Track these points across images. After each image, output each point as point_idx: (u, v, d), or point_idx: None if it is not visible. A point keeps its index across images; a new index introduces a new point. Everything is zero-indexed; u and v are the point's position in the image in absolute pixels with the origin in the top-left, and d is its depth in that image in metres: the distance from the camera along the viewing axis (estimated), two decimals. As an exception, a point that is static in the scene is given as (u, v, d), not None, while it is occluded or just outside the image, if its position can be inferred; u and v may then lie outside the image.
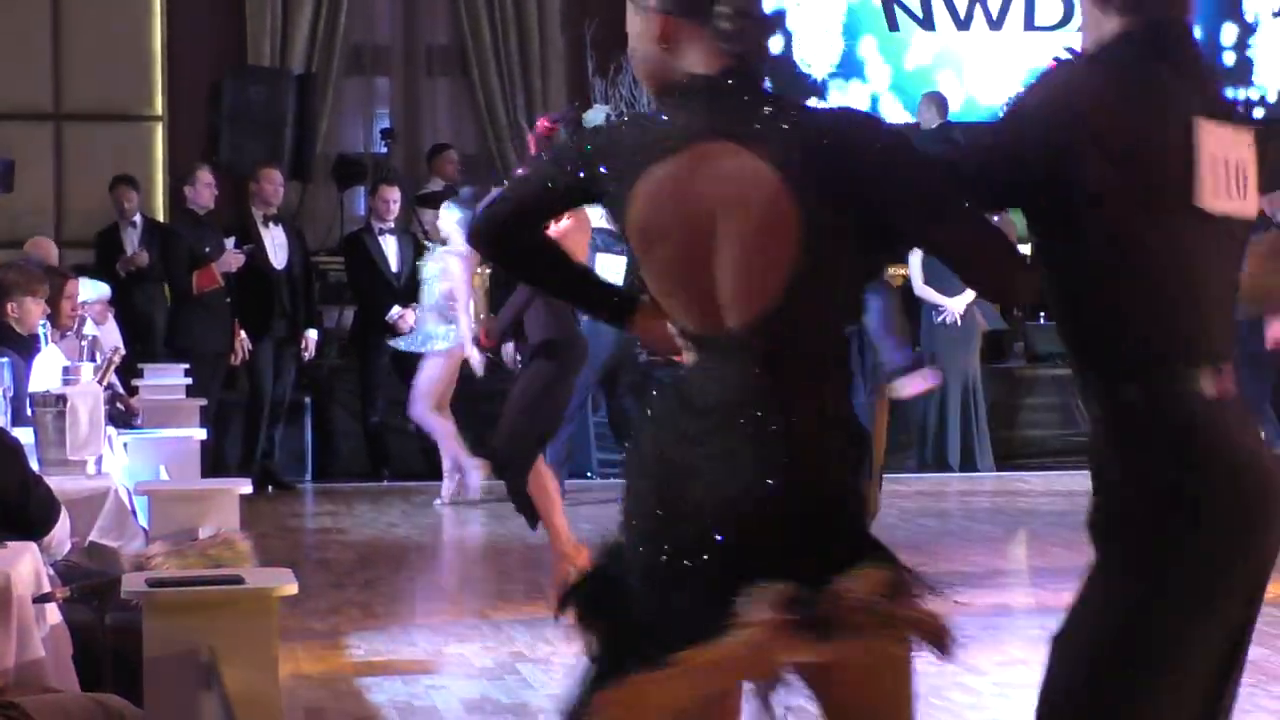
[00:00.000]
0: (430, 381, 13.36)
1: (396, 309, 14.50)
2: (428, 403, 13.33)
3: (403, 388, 14.76)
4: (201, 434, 9.77)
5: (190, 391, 11.59)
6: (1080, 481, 12.41)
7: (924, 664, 8.10)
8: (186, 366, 12.36)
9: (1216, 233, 3.52)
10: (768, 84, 3.65)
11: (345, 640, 8.67)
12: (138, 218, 14.96)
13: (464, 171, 16.97)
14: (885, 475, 15.08)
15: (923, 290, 14.84)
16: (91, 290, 12.13)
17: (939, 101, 16.69)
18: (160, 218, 15.92)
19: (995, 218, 11.16)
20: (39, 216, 16.27)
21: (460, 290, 12.94)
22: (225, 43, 17.12)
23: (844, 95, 17.60)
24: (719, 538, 3.37)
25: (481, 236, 3.83)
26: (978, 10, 17.96)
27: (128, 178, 15.12)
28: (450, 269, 12.95)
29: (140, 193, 15.15)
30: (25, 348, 9.46)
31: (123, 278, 14.42)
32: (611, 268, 11.54)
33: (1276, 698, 7.22)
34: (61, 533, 6.19)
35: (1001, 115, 3.59)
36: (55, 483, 6.52)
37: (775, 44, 17.25)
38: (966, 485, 14.43)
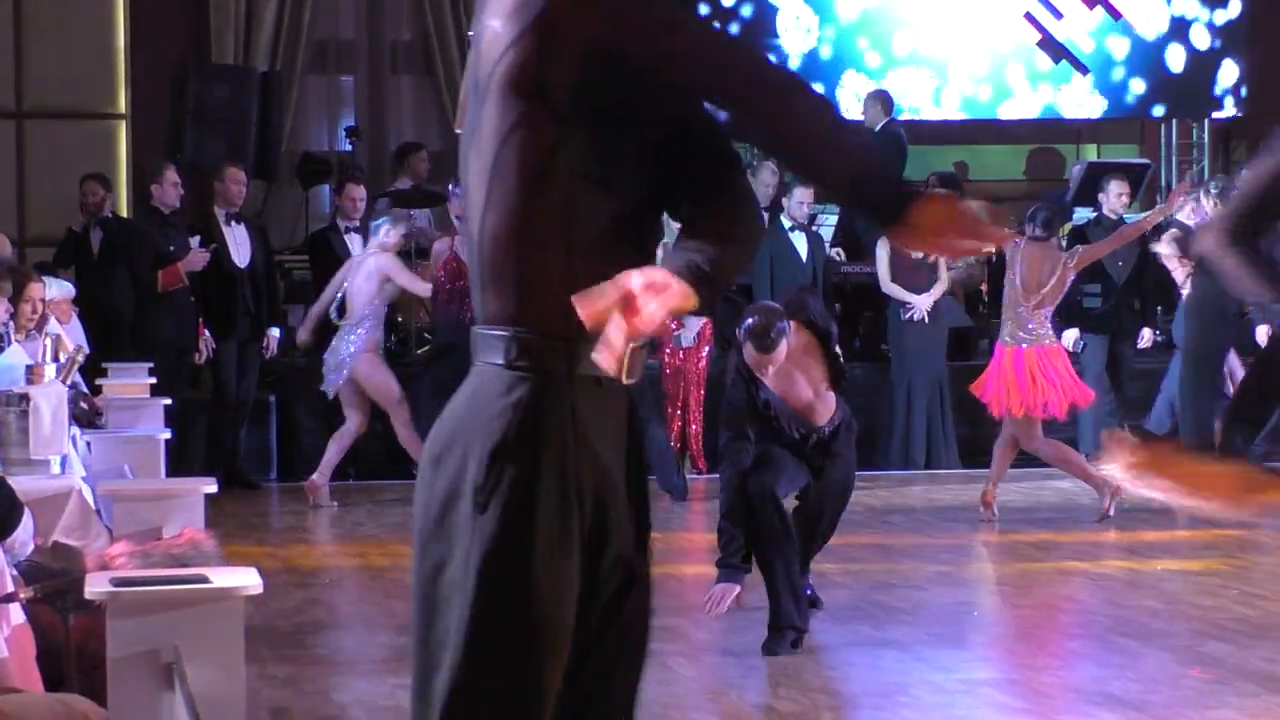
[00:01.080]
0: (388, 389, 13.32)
1: (361, 307, 14.49)
2: (405, 412, 13.30)
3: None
4: (166, 433, 9.75)
5: (155, 390, 11.56)
6: (1043, 478, 12.47)
7: (893, 661, 8.15)
8: (151, 365, 12.32)
9: None
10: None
11: (310, 640, 8.67)
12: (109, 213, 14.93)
13: (433, 170, 16.99)
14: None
15: (889, 288, 14.88)
16: (56, 289, 12.10)
17: (884, 99, 16.76)
18: (124, 215, 15.88)
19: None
20: (3, 213, 16.22)
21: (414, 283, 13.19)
22: (189, 40, 17.10)
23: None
24: None
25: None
26: None
27: (98, 175, 15.07)
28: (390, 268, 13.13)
29: (111, 191, 15.11)
30: (-13, 347, 9.43)
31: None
32: None
33: (1243, 694, 7.25)
34: (25, 533, 6.17)
35: None
36: (18, 482, 6.50)
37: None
38: (932, 482, 14.46)
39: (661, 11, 3.33)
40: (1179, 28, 18.38)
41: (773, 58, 3.36)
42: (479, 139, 3.39)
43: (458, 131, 6.45)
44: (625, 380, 3.31)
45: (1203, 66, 18.48)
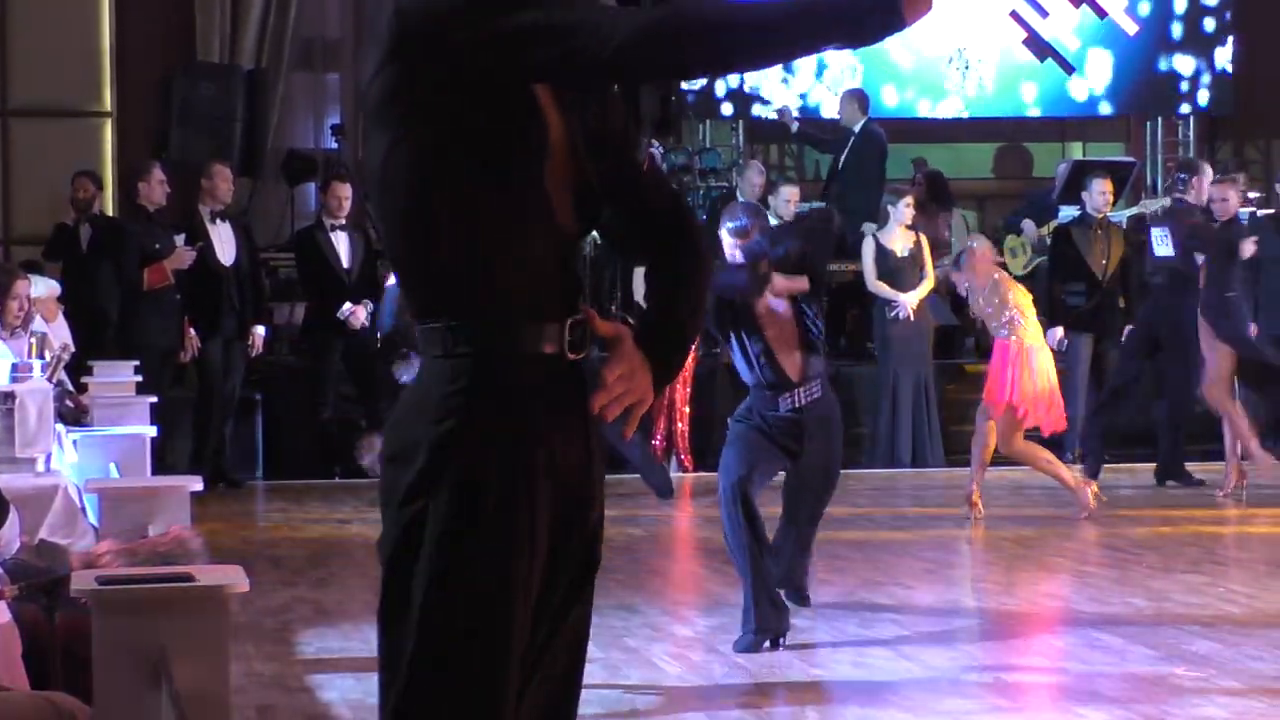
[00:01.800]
0: None
1: (348, 305, 14.51)
2: None
3: (353, 384, 14.77)
4: (152, 431, 9.73)
5: (140, 388, 11.54)
6: (1028, 476, 12.50)
7: (880, 658, 8.15)
8: (137, 363, 12.30)
9: None
10: None
11: (297, 638, 8.66)
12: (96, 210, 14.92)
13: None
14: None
15: (875, 286, 14.90)
16: (41, 287, 12.08)
17: (861, 98, 16.79)
18: (110, 214, 15.86)
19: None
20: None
21: None
22: (174, 38, 17.08)
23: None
24: None
25: None
26: None
27: (90, 172, 15.06)
28: None
29: (101, 189, 15.09)
30: (-28, 345, 9.42)
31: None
32: None
33: (1228, 692, 7.26)
34: (10, 531, 6.15)
35: None
36: (4, 480, 6.49)
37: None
38: (918, 480, 14.48)
39: (521, 21, 3.26)
40: (1163, 25, 18.41)
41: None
42: (370, 158, 3.43)
43: None
44: (570, 355, 3.36)
45: (1186, 63, 18.51)
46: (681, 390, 14.26)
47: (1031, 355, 11.92)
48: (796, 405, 8.53)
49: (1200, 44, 18.54)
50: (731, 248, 8.58)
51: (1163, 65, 18.49)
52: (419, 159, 3.34)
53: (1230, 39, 18.60)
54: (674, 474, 14.16)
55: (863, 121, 16.60)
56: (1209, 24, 18.54)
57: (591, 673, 6.89)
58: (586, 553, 3.46)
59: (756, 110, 18.02)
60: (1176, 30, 18.50)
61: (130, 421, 9.97)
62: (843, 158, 16.68)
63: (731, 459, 8.40)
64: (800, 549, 8.79)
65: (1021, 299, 12.06)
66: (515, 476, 3.31)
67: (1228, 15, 18.56)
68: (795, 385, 8.53)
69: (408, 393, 3.42)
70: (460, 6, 3.31)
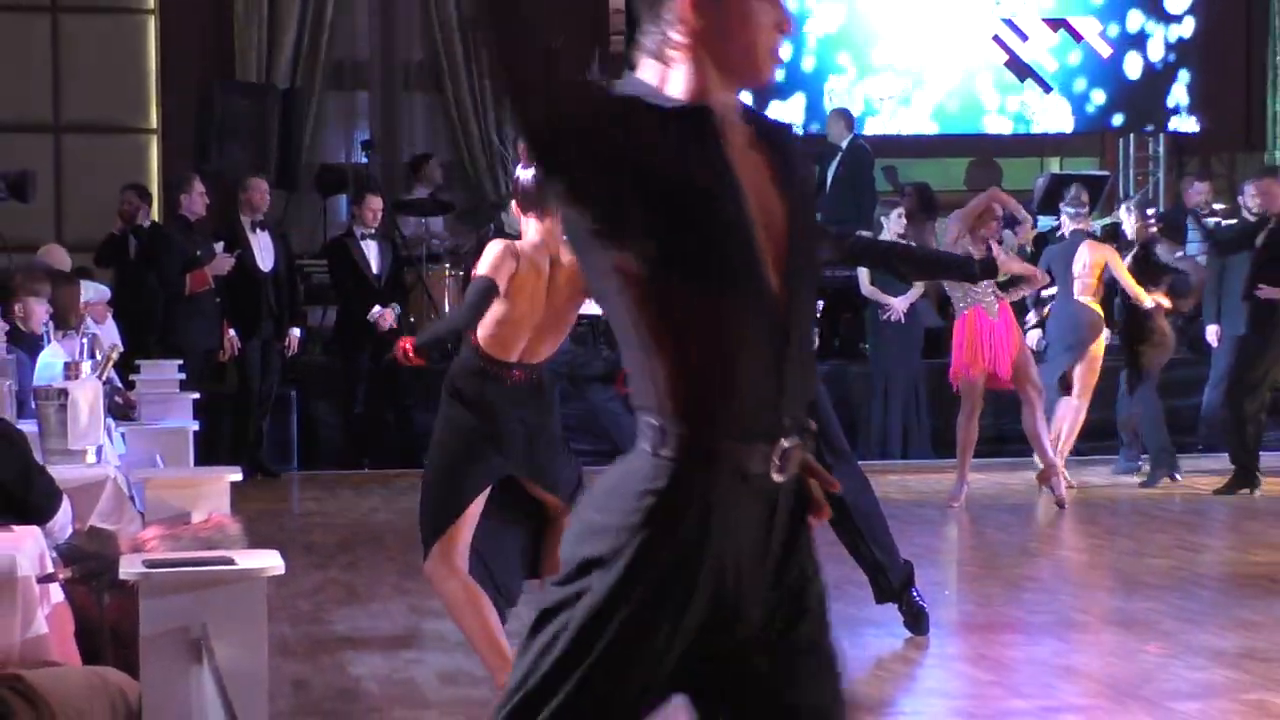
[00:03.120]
0: None
1: (377, 308, 14.54)
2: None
3: (383, 382, 14.78)
4: (194, 425, 9.75)
5: (184, 386, 11.56)
6: (1010, 468, 12.47)
7: (870, 637, 8.14)
8: (180, 362, 12.32)
9: None
10: None
11: (328, 617, 8.67)
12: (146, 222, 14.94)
13: (446, 177, 17.06)
14: (831, 462, 15.17)
15: (869, 290, 14.93)
16: (92, 291, 12.11)
17: (846, 117, 16.80)
18: (155, 222, 15.88)
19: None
20: (41, 222, 16.23)
21: None
22: (215, 59, 17.11)
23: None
24: None
25: None
26: None
27: (137, 185, 15.07)
28: None
29: (145, 201, 15.11)
30: (30, 345, 9.45)
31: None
32: None
33: (1195, 668, 7.26)
34: (63, 518, 6.18)
35: None
36: (57, 471, 6.51)
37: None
38: (907, 471, 14.49)
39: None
40: (1135, 46, 18.40)
41: None
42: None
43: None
44: (776, 478, 3.17)
45: (1158, 82, 18.50)
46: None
47: (980, 321, 11.99)
48: None
49: (1168, 65, 18.52)
50: None
51: (1135, 84, 18.46)
52: (615, 278, 3.14)
53: (1197, 61, 18.58)
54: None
55: (849, 138, 16.64)
56: (1176, 47, 18.51)
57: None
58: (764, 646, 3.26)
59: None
60: (1148, 53, 18.47)
61: (174, 417, 10.00)
62: (831, 172, 16.70)
63: None
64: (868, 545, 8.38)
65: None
66: (673, 584, 3.14)
67: (1193, 37, 18.53)
68: None
69: (613, 473, 3.22)
70: None
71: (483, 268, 6.48)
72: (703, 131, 3.15)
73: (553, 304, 6.58)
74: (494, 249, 6.55)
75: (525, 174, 6.56)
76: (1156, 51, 18.50)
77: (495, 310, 6.49)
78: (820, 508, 3.29)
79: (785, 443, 3.17)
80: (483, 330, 6.53)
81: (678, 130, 3.14)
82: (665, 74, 3.23)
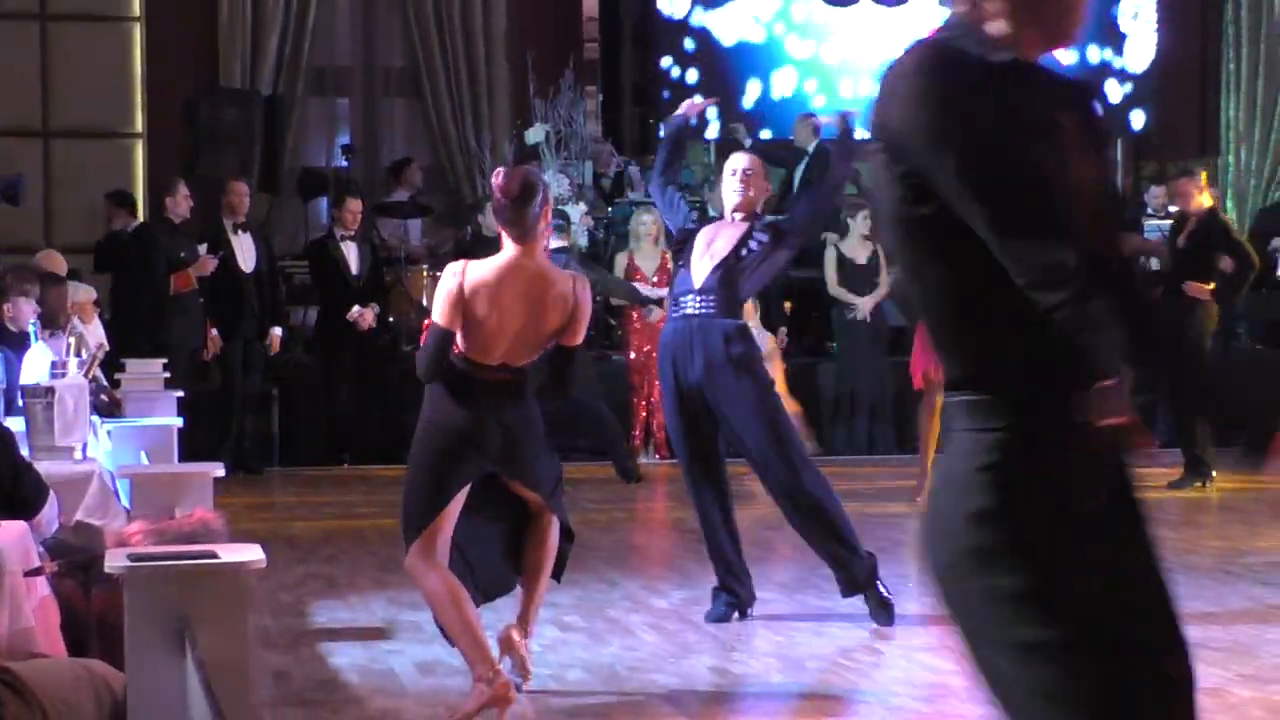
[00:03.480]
0: None
1: (356, 308, 14.55)
2: None
3: (362, 380, 14.78)
4: (178, 422, 9.72)
5: (168, 384, 11.54)
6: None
7: (837, 629, 8.14)
8: (165, 361, 12.29)
9: None
10: None
11: (309, 610, 8.66)
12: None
13: (426, 182, 17.06)
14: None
15: (836, 290, 14.97)
16: (80, 292, 12.08)
17: (814, 123, 16.79)
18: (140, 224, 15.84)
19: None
20: (30, 224, 16.20)
21: None
22: (199, 66, 17.08)
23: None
24: None
25: None
26: None
27: (115, 193, 15.01)
28: None
29: (122, 207, 15.07)
30: (18, 344, 9.42)
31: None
32: None
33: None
34: (50, 512, 6.16)
35: None
36: (44, 467, 6.49)
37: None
38: (872, 467, 14.50)
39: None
40: (1094, 75, 18.43)
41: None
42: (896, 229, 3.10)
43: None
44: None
45: (1115, 89, 18.55)
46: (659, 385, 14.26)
47: None
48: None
49: (1127, 71, 18.56)
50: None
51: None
52: (934, 243, 3.03)
53: (1153, 69, 18.62)
54: (651, 463, 14.18)
55: (816, 142, 16.64)
56: (1135, 53, 18.56)
57: (575, 640, 6.91)
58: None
59: (710, 133, 17.94)
60: (1109, 59, 18.51)
61: (158, 414, 9.98)
62: (799, 175, 16.71)
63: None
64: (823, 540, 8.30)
65: None
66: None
67: (1153, 44, 18.59)
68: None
69: (940, 467, 3.13)
70: None
71: (435, 312, 6.47)
72: (1032, 91, 3.04)
73: (536, 318, 6.52)
74: (442, 286, 6.48)
75: (499, 190, 6.49)
76: (1116, 60, 18.53)
77: (471, 320, 6.47)
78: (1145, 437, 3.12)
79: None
80: (462, 335, 6.51)
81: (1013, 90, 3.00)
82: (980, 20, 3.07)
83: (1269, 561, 9.79)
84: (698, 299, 8.19)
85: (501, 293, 6.46)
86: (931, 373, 12.08)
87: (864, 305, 14.90)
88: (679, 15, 17.91)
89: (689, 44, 17.91)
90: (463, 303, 6.39)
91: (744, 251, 8.23)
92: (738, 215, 8.39)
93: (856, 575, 8.10)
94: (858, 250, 14.96)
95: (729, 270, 8.18)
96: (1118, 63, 18.58)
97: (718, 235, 8.33)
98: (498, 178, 6.53)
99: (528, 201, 6.44)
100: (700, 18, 17.94)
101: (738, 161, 8.54)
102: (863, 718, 6.50)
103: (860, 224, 14.83)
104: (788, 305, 15.82)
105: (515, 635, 6.68)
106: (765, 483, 8.27)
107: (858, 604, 8.27)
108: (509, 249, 6.52)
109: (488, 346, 6.47)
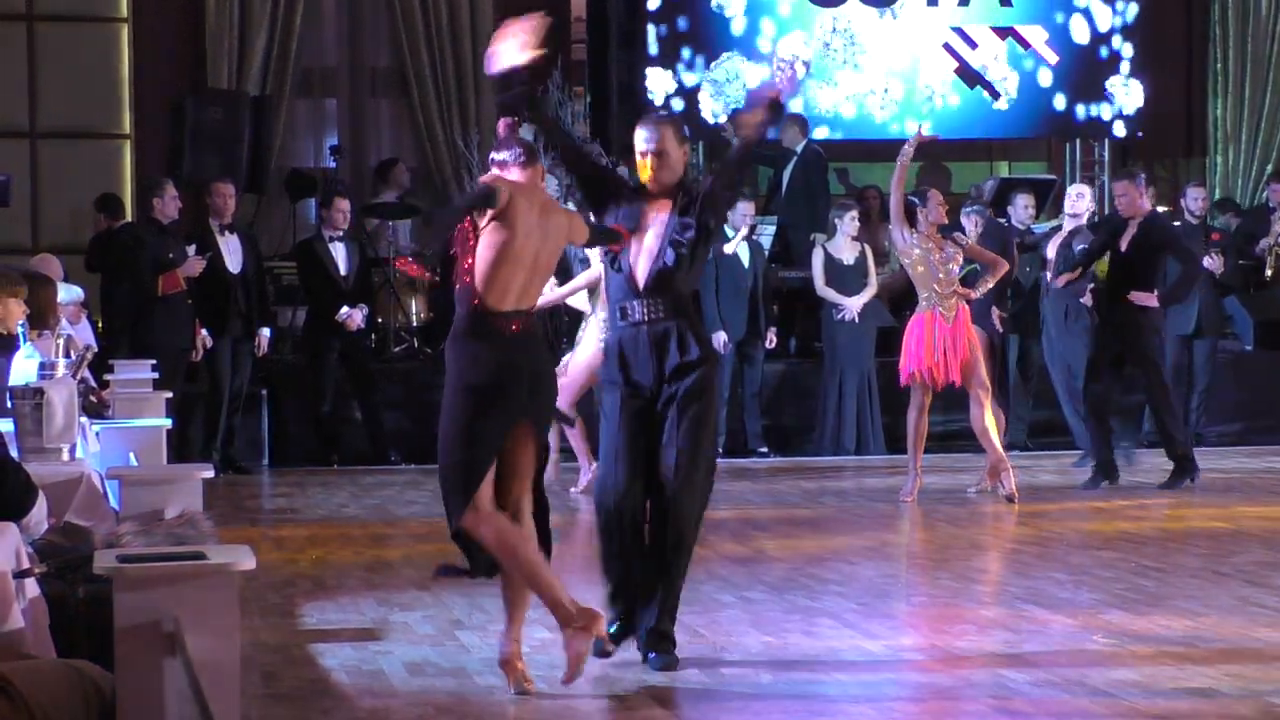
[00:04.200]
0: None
1: (345, 308, 14.54)
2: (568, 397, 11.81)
3: (350, 381, 14.78)
4: (167, 423, 9.71)
5: (156, 385, 11.52)
6: (959, 462, 12.50)
7: (825, 628, 8.15)
8: (153, 362, 12.28)
9: None
10: None
11: (298, 610, 8.64)
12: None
13: (413, 182, 17.05)
14: (786, 457, 15.21)
15: (824, 291, 15.00)
16: (66, 293, 12.04)
17: (801, 122, 16.81)
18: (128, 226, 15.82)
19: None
20: (18, 225, 16.18)
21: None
22: (187, 67, 17.07)
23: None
24: None
25: None
26: None
27: (101, 197, 14.99)
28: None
29: (105, 211, 15.06)
30: (5, 346, 9.39)
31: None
32: None
33: (1140, 658, 7.28)
34: (39, 514, 6.15)
35: None
36: (33, 469, 6.48)
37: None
38: (860, 467, 14.51)
39: None
40: (1081, 56, 18.45)
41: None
42: None
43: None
44: None
45: (1100, 90, 18.55)
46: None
47: (934, 324, 12.00)
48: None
49: (1114, 73, 18.57)
50: None
51: (1081, 91, 18.51)
52: None
53: (1141, 70, 18.62)
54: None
55: (803, 143, 16.67)
56: (1122, 53, 18.56)
57: (557, 641, 6.88)
58: None
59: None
60: (1094, 58, 18.52)
61: (147, 415, 9.96)
62: (787, 175, 16.72)
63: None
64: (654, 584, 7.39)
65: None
66: None
67: (1138, 46, 18.59)
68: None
69: None
70: None
71: (483, 180, 6.67)
72: None
73: (544, 248, 6.68)
74: (488, 179, 6.69)
75: (503, 127, 6.74)
76: (1102, 61, 18.53)
77: (494, 243, 6.56)
78: None
79: None
80: (480, 277, 6.58)
81: None
82: None
83: (1258, 561, 9.80)
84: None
85: (531, 207, 6.64)
86: (920, 373, 12.09)
87: (852, 306, 14.92)
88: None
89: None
90: (505, 196, 6.54)
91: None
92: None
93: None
94: (845, 251, 14.99)
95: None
96: (1106, 41, 18.59)
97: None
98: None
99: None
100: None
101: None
102: (851, 718, 6.50)
103: (848, 225, 14.87)
104: (776, 306, 15.82)
105: (513, 654, 6.79)
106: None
107: (853, 605, 8.26)
108: (517, 176, 6.73)
109: (507, 284, 6.57)
